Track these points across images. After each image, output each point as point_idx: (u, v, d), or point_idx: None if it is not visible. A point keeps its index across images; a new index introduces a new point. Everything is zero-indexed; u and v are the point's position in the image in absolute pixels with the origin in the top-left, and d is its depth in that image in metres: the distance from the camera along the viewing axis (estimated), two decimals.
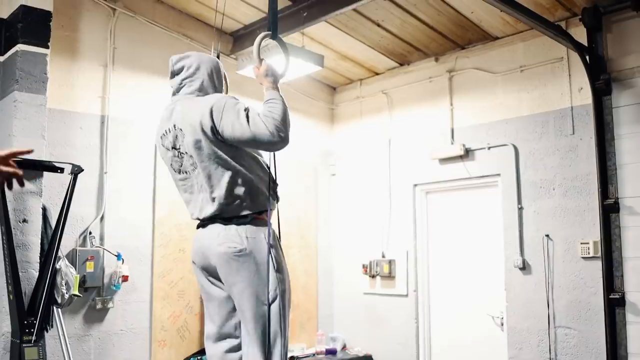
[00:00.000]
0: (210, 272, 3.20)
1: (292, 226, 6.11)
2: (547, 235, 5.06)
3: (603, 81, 4.75)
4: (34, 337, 3.99)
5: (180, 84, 3.21)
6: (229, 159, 3.05)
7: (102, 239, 4.85)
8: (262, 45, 3.19)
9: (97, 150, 4.93)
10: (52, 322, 4.32)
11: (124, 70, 5.17)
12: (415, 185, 6.11)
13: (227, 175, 3.06)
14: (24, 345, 3.93)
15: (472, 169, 5.61)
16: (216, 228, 3.11)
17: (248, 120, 2.96)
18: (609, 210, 4.71)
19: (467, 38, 5.69)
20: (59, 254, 4.31)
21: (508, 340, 5.21)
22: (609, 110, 4.80)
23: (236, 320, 3.21)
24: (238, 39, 5.86)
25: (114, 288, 4.78)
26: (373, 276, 6.26)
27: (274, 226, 3.24)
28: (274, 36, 3.27)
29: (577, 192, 4.95)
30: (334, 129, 6.96)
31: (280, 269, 3.11)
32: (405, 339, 5.96)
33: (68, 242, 4.61)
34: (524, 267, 5.15)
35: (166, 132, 3.21)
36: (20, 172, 1.85)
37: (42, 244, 4.34)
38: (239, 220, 3.09)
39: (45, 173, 4.40)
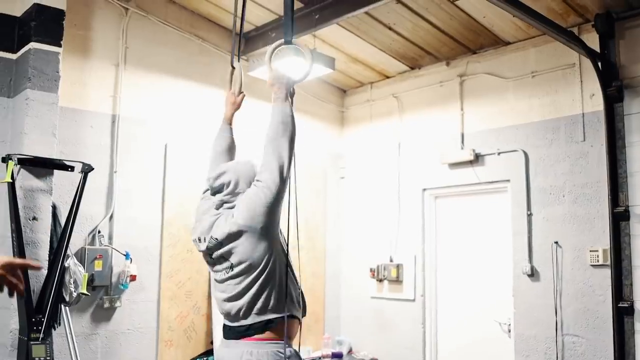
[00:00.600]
0: None
1: (300, 228, 6.09)
2: (556, 242, 5.03)
3: (615, 88, 4.72)
4: (41, 335, 4.00)
5: (222, 201, 3.20)
6: (258, 260, 3.04)
7: (110, 238, 4.86)
8: (276, 49, 3.19)
9: (107, 149, 4.95)
10: (59, 320, 4.34)
11: (136, 69, 5.19)
12: (425, 189, 6.09)
13: (256, 279, 3.04)
14: (32, 342, 3.94)
15: (482, 174, 5.59)
16: (238, 346, 3.07)
17: (267, 184, 3.00)
18: (619, 218, 4.68)
19: (478, 43, 5.67)
20: (68, 252, 4.32)
21: (515, 347, 5.19)
22: (620, 118, 4.77)
23: None
24: (250, 40, 5.87)
25: (122, 287, 4.80)
26: (380, 280, 6.25)
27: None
28: (290, 42, 3.25)
29: (587, 200, 4.92)
30: (343, 131, 6.96)
31: None
32: (412, 344, 5.94)
33: (77, 240, 4.62)
34: (532, 274, 5.12)
35: (201, 239, 3.21)
36: (22, 286, 1.86)
37: (51, 242, 4.36)
38: (260, 330, 3.05)
39: (55, 171, 4.41)
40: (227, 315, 3.12)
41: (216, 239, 3.09)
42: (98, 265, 4.66)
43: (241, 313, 3.04)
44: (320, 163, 6.61)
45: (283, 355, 2.99)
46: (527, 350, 5.10)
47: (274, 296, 3.02)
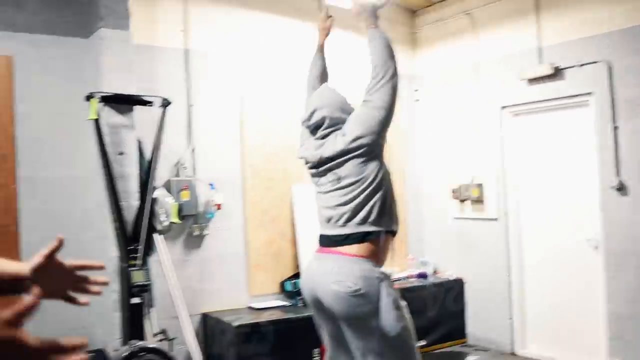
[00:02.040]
0: (320, 307, 3.19)
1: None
2: None
3: None
4: (139, 262, 4.18)
5: (324, 134, 3.22)
6: (366, 175, 3.07)
7: (194, 169, 4.98)
8: None
9: (182, 83, 5.02)
10: (154, 248, 4.52)
11: (205, 2, 5.20)
12: (503, 107, 5.93)
13: (363, 190, 3.07)
14: (130, 269, 4.13)
15: (562, 88, 5.37)
16: (330, 262, 3.10)
17: (375, 105, 3.03)
18: None
19: None
20: (155, 184, 4.46)
21: (605, 262, 5.05)
22: None
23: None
24: None
25: (209, 216, 4.93)
26: (462, 200, 6.19)
27: None
28: None
29: None
30: (415, 53, 6.82)
31: (398, 306, 3.06)
32: (497, 263, 5.89)
33: (163, 172, 4.76)
34: (621, 188, 4.94)
35: (313, 156, 3.26)
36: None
37: (139, 175, 4.51)
38: (357, 240, 3.07)
39: (136, 107, 4.53)
40: (328, 221, 3.17)
41: (326, 157, 3.15)
42: (185, 196, 4.80)
43: (342, 220, 3.09)
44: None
45: (373, 276, 3.03)
46: (617, 265, 4.96)
47: (376, 210, 3.06)
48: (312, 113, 3.28)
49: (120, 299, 4.19)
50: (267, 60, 5.47)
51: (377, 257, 3.07)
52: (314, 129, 3.29)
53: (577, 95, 5.29)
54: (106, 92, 4.37)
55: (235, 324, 4.53)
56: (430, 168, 6.61)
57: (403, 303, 3.11)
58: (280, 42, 5.54)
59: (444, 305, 6.02)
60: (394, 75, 3.08)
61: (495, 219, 5.94)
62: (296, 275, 5.24)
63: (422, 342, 5.74)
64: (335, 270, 3.03)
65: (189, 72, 5.04)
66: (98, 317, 4.50)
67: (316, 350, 4.75)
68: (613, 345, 4.95)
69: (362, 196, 3.06)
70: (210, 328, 4.86)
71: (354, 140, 3.07)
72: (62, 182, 4.53)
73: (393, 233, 3.18)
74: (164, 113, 4.53)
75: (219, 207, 4.94)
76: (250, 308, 5.02)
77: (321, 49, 3.65)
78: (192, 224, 4.93)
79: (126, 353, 3.87)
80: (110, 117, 4.44)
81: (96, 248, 4.52)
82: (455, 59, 6.36)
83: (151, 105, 4.57)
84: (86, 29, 4.66)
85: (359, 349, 3.04)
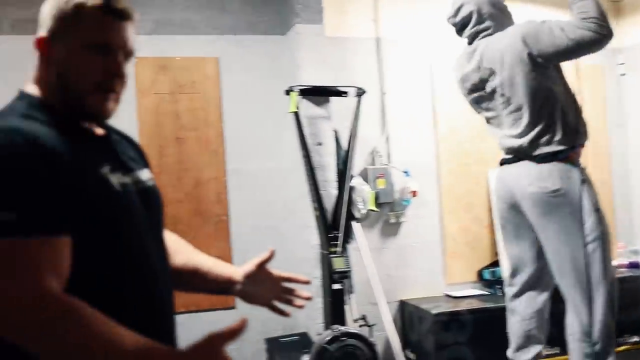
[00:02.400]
0: (517, 213, 3.08)
1: None
2: None
3: None
4: (339, 249, 4.31)
5: (472, 34, 3.10)
6: (542, 92, 2.90)
7: (389, 156, 5.02)
8: None
9: (375, 72, 5.06)
10: (353, 235, 4.64)
11: None
12: None
13: (541, 109, 2.91)
14: (331, 256, 4.27)
15: None
16: (525, 166, 2.97)
17: (564, 31, 2.79)
18: None
19: None
20: (352, 172, 4.57)
21: None
22: None
23: (542, 267, 3.07)
24: None
25: (405, 203, 4.95)
26: None
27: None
28: None
29: None
30: (619, 24, 6.28)
31: (597, 208, 2.89)
32: None
33: (358, 161, 4.85)
34: None
35: (467, 76, 3.15)
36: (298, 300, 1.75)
37: (337, 164, 4.64)
38: (550, 157, 2.92)
39: (331, 98, 4.65)
40: (509, 150, 3.04)
41: (489, 68, 2.99)
42: (380, 184, 4.86)
43: (525, 146, 2.94)
44: (594, 61, 6.06)
45: (573, 176, 2.85)
46: None
47: (559, 128, 2.88)
48: (459, 8, 3.10)
49: (322, 285, 4.35)
50: (456, 44, 5.32)
51: (573, 159, 2.91)
52: (460, 29, 3.12)
53: None
54: (304, 85, 4.54)
55: (434, 311, 4.51)
56: None
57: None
58: None
59: None
60: (606, 32, 2.79)
61: None
62: (494, 264, 5.10)
63: (635, 338, 5.33)
64: (533, 172, 2.91)
65: (380, 60, 5.08)
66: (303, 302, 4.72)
67: None
68: None
69: (542, 117, 2.87)
70: (407, 315, 4.89)
71: (517, 50, 2.86)
72: (266, 173, 4.80)
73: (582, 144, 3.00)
74: (359, 102, 4.60)
75: (414, 194, 4.94)
76: (448, 296, 4.97)
77: None
78: (389, 211, 4.98)
79: (329, 337, 4.02)
80: (308, 109, 4.60)
81: (298, 236, 4.74)
82: None
83: (346, 96, 4.68)
84: (283, 26, 4.88)
85: (554, 256, 2.90)
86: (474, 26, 3.05)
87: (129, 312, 1.24)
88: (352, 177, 4.64)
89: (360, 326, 4.42)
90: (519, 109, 2.94)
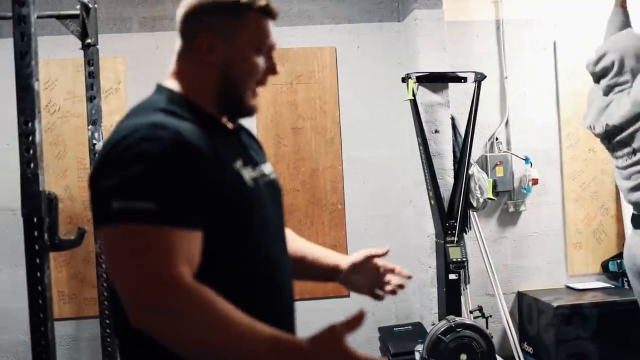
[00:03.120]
0: None
1: None
2: None
3: None
4: (455, 238, 4.28)
5: (609, 86, 2.95)
6: None
7: (508, 143, 4.89)
8: None
9: (495, 56, 4.92)
10: (469, 224, 4.58)
11: None
12: None
13: None
14: (447, 245, 4.24)
15: None
16: None
17: None
18: None
19: None
20: (470, 160, 4.49)
21: None
22: None
23: None
24: None
25: (524, 191, 4.81)
26: None
27: None
28: None
29: None
30: None
31: None
32: None
33: (477, 148, 4.76)
34: None
35: (592, 127, 3.04)
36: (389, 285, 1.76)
37: (454, 152, 4.58)
38: None
39: (449, 84, 4.58)
40: (636, 205, 2.91)
41: (613, 125, 2.87)
42: (499, 171, 4.74)
43: None
44: None
45: None
46: None
47: None
48: (601, 57, 2.93)
49: (438, 274, 4.34)
50: (581, 21, 5.06)
51: None
52: (598, 79, 2.96)
53: None
54: (421, 72, 4.49)
55: (555, 304, 4.38)
56: None
57: None
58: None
59: None
60: None
61: None
62: (621, 255, 4.86)
63: None
64: None
65: (501, 43, 4.92)
66: (417, 291, 4.74)
67: None
68: None
69: None
70: (525, 307, 4.77)
71: None
72: (382, 161, 4.80)
73: None
74: (478, 88, 4.49)
75: (535, 182, 4.78)
76: (569, 288, 4.80)
77: (622, 3, 3.21)
78: (507, 200, 4.86)
79: (444, 328, 4.01)
80: (425, 96, 4.56)
81: (414, 224, 4.74)
82: None
83: (465, 82, 4.58)
84: (400, 13, 4.83)
85: None
86: (612, 77, 2.89)
87: (255, 302, 1.30)
88: (469, 164, 4.57)
89: (476, 317, 4.37)
90: None
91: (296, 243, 1.75)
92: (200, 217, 1.21)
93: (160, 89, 1.43)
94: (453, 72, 4.57)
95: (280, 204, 1.58)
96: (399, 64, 4.79)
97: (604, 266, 4.95)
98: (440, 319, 4.32)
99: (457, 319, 4.17)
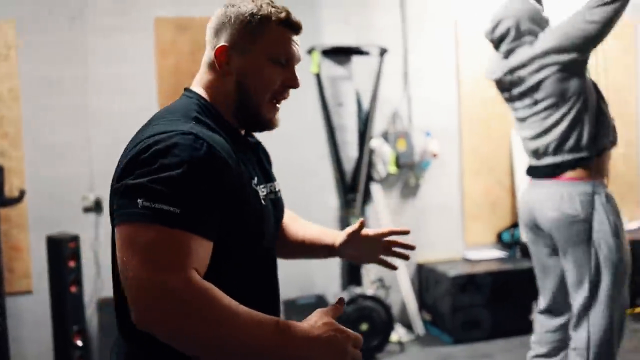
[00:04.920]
0: (540, 236, 3.07)
1: (606, 93, 5.58)
2: None
3: None
4: (358, 211, 4.34)
5: (508, 50, 3.02)
6: (570, 94, 2.85)
7: (410, 118, 4.97)
8: None
9: (398, 31, 4.97)
10: (371, 197, 4.66)
11: None
12: None
13: (568, 114, 2.86)
14: (350, 217, 4.30)
15: None
16: (547, 188, 2.95)
17: (586, 19, 2.73)
18: None
19: None
20: (373, 134, 4.55)
21: None
22: None
23: (565, 294, 3.07)
24: None
25: (425, 165, 4.92)
26: None
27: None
28: None
29: None
30: None
31: (617, 234, 2.86)
32: None
33: (379, 123, 4.82)
34: None
35: (499, 78, 3.10)
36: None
37: (358, 125, 4.62)
38: (570, 167, 2.89)
39: (353, 58, 4.59)
40: (534, 153, 3.04)
41: (514, 71, 2.97)
42: (401, 145, 4.83)
43: (550, 150, 2.93)
44: (625, 18, 5.87)
45: (593, 200, 2.84)
46: None
47: (586, 133, 2.85)
48: (497, 24, 3.05)
49: None
50: (481, 2, 5.19)
51: (596, 176, 2.89)
52: (498, 43, 3.08)
53: None
54: (326, 45, 4.48)
55: (451, 274, 4.55)
56: None
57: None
58: None
59: None
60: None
61: None
62: (514, 225, 5.09)
63: None
64: (554, 196, 2.91)
65: (404, 18, 4.97)
66: (320, 264, 4.77)
67: (535, 303, 4.64)
68: None
69: (566, 120, 2.85)
70: (424, 277, 4.93)
71: (547, 53, 2.82)
72: (284, 134, 4.75)
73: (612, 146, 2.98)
74: (381, 62, 4.54)
75: (435, 155, 4.91)
76: (466, 259, 5.00)
77: None
78: (408, 172, 4.97)
79: (346, 299, 4.09)
80: (329, 69, 4.56)
81: (316, 197, 4.76)
82: None
83: (368, 55, 4.62)
84: None
85: (573, 278, 2.94)
86: (512, 41, 2.98)
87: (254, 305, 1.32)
88: (372, 138, 4.63)
89: (378, 288, 4.48)
90: (546, 109, 2.91)
91: (296, 224, 1.87)
92: (215, 229, 1.27)
93: (191, 93, 1.47)
94: (357, 46, 4.59)
95: (280, 220, 1.67)
96: (303, 36, 4.71)
97: (499, 236, 5.18)
98: (342, 291, 4.40)
99: (358, 290, 4.26)
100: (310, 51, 4.44)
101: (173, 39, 4.49)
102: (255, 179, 1.43)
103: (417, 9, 4.99)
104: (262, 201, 1.43)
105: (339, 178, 4.44)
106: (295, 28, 1.49)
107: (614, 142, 2.97)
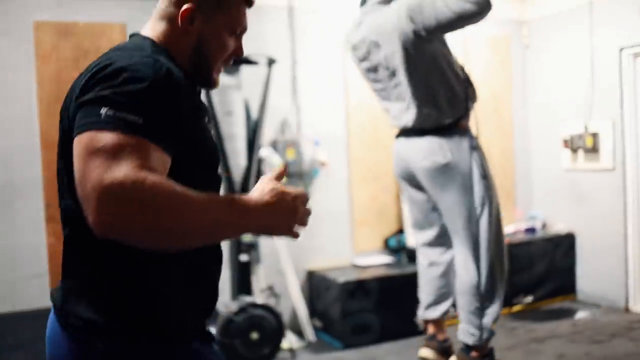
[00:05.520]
0: (413, 183, 3.21)
1: (486, 103, 5.90)
2: None
3: None
4: None
5: (366, 12, 3.13)
6: (426, 65, 2.98)
7: (299, 127, 5.04)
8: None
9: (287, 41, 5.03)
10: None
11: None
12: (622, 49, 5.54)
13: (424, 82, 2.99)
14: None
15: None
16: (418, 141, 3.08)
17: (446, 3, 2.86)
18: None
19: None
20: (262, 143, 4.57)
21: None
22: None
23: (438, 216, 3.22)
24: None
25: (314, 173, 5.00)
26: (575, 150, 5.92)
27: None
28: None
29: None
30: None
31: (486, 175, 3.04)
32: (612, 215, 5.64)
33: (268, 132, 4.85)
34: None
35: (358, 45, 3.19)
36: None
37: (247, 134, 4.62)
38: (440, 131, 3.04)
39: (241, 67, 4.60)
40: (398, 124, 3.17)
41: (374, 41, 3.09)
42: (290, 154, 4.88)
43: (414, 118, 3.07)
44: (501, 33, 6.24)
45: (462, 147, 3.02)
46: None
47: (444, 101, 3.01)
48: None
49: (229, 256, 4.38)
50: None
51: (462, 128, 3.06)
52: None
53: None
54: None
55: (340, 280, 4.64)
56: (541, 117, 6.34)
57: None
58: None
59: (553, 260, 5.87)
60: (485, 3, 2.85)
61: (612, 169, 5.66)
62: (401, 231, 5.27)
63: (529, 298, 5.67)
64: (425, 146, 3.06)
65: (293, 29, 5.04)
66: None
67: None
68: None
69: (424, 89, 3.01)
70: (315, 284, 5.00)
71: (400, 20, 2.95)
72: None
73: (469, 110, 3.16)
74: (269, 71, 4.58)
75: (323, 164, 5.00)
76: (355, 265, 5.11)
77: None
78: (298, 181, 5.02)
79: (235, 308, 4.08)
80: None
81: None
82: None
83: (256, 64, 4.64)
84: None
85: (449, 220, 3.10)
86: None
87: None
88: (261, 147, 4.65)
89: (268, 296, 4.50)
90: (402, 82, 3.03)
91: None
92: (174, 146, 1.30)
93: (142, 37, 1.53)
94: (246, 55, 4.59)
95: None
96: None
97: (386, 242, 5.33)
98: (232, 300, 4.38)
99: (248, 299, 4.26)
100: None
101: (54, 44, 4.33)
102: (206, 118, 1.51)
103: (305, 19, 5.07)
104: (213, 138, 1.53)
105: (228, 187, 4.42)
106: (252, 3, 1.59)
107: (474, 100, 3.15)
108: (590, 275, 5.89)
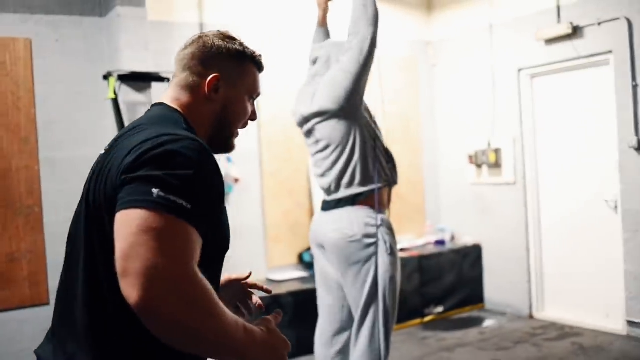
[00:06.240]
0: (323, 254, 3.31)
1: (394, 122, 6.10)
2: None
3: None
4: None
5: (315, 73, 3.32)
6: (346, 135, 3.13)
7: None
8: None
9: None
10: None
11: None
12: (520, 70, 5.88)
13: (343, 152, 3.14)
14: None
15: (581, 48, 5.30)
16: (330, 214, 3.20)
17: (345, 70, 3.11)
18: None
19: None
20: None
21: (623, 223, 5.07)
22: None
23: (347, 310, 3.30)
24: None
25: (228, 190, 5.02)
26: (479, 166, 6.20)
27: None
28: None
29: None
30: (431, 17, 6.74)
31: (392, 252, 3.15)
32: (515, 227, 5.93)
33: None
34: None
35: (294, 112, 3.38)
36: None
37: None
38: (351, 201, 3.16)
39: (152, 84, 4.58)
40: (325, 190, 3.29)
41: (301, 115, 3.26)
42: None
43: (332, 187, 3.20)
44: (409, 53, 6.48)
45: (372, 223, 3.12)
46: (635, 225, 4.98)
47: (359, 171, 3.14)
48: (319, 48, 3.38)
49: None
50: (280, 34, 5.46)
51: (374, 206, 3.18)
52: (313, 64, 3.39)
53: (596, 55, 5.21)
54: (123, 71, 4.43)
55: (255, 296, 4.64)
56: (448, 133, 6.61)
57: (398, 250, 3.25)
58: (296, 14, 5.52)
59: (462, 271, 6.11)
60: (367, 39, 3.08)
61: (513, 183, 5.96)
62: None
63: (440, 309, 5.86)
64: (335, 218, 3.16)
65: None
66: None
67: None
68: (631, 306, 5.01)
69: (341, 160, 3.16)
70: None
71: (321, 105, 3.16)
72: (82, 162, 4.62)
73: (390, 184, 3.29)
74: None
75: (237, 180, 5.02)
76: (269, 280, 5.14)
77: (323, 23, 3.65)
78: None
79: None
80: (128, 95, 4.51)
81: None
82: (470, 21, 6.28)
83: (168, 82, 4.62)
84: (102, 8, 4.70)
85: (353, 299, 3.18)
86: (319, 67, 3.34)
87: None
88: None
89: None
90: (324, 150, 3.18)
91: None
92: (206, 229, 1.33)
93: (170, 108, 1.57)
94: (156, 73, 4.59)
95: None
96: (101, 62, 4.65)
97: (300, 257, 5.39)
98: None
99: None
100: (106, 77, 4.37)
101: None
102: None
103: None
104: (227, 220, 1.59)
105: None
106: (263, 69, 1.71)
107: (391, 181, 3.29)
108: (497, 284, 6.15)
